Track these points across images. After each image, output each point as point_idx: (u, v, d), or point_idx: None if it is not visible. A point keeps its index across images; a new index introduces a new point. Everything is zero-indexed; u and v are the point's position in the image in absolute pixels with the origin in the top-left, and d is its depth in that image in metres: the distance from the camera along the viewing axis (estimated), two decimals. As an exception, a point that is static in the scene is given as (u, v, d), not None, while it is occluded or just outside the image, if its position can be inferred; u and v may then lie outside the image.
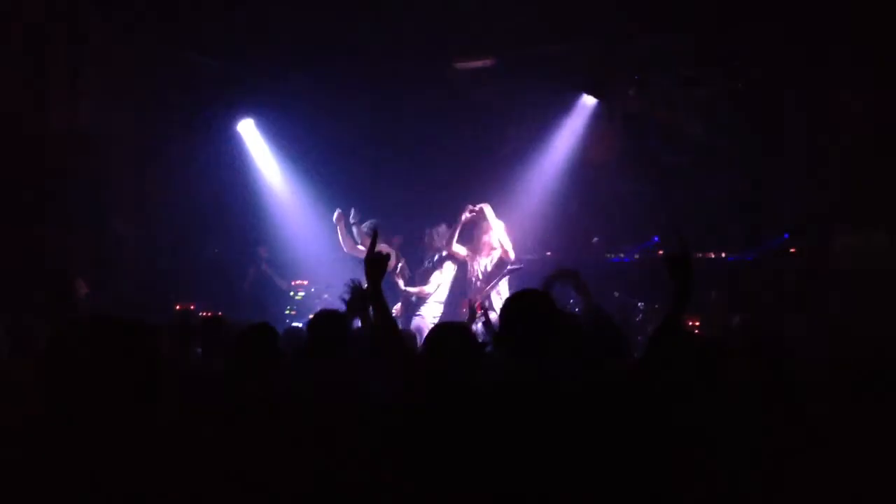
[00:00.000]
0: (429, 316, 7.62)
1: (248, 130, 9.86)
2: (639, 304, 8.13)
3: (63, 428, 1.98)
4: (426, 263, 7.82)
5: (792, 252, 8.68)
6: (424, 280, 7.70)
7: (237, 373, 3.47)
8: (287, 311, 8.95)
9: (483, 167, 9.41)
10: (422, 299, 7.71)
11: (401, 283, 7.73)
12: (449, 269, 7.70)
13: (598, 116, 9.24)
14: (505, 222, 7.76)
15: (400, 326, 3.99)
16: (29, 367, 3.17)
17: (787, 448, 2.57)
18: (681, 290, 2.75)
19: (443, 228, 7.80)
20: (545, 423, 2.42)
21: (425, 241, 7.88)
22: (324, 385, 3.23)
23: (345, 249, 7.94)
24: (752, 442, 2.61)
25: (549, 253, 9.48)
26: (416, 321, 7.59)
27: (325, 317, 3.89)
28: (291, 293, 9.05)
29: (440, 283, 7.65)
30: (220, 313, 7.02)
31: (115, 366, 2.03)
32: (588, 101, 9.22)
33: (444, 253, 7.69)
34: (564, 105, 9.29)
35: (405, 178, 9.46)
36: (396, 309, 7.74)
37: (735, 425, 2.65)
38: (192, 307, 7.98)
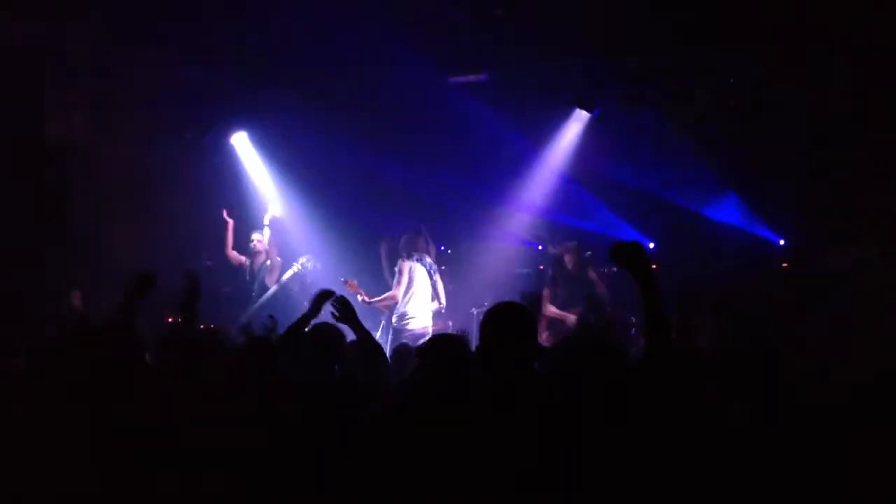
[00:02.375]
0: (416, 325, 7.71)
1: (242, 143, 9.87)
2: (632, 318, 8.13)
3: (55, 429, 1.99)
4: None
5: (785, 266, 8.73)
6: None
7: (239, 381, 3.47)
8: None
9: (476, 180, 9.45)
10: (399, 311, 7.79)
11: (360, 297, 7.85)
12: (407, 276, 7.78)
13: (591, 130, 9.28)
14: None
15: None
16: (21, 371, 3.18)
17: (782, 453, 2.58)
18: (641, 281, 2.68)
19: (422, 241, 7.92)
20: (520, 432, 2.43)
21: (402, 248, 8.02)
22: (320, 392, 3.25)
23: (227, 251, 8.56)
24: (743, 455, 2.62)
25: (541, 266, 9.50)
26: (405, 335, 7.63)
27: (321, 328, 3.97)
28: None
29: (402, 289, 7.76)
30: (212, 326, 7.01)
31: (105, 371, 2.04)
32: (581, 115, 9.27)
33: (401, 261, 7.84)
34: (557, 119, 9.33)
35: (399, 191, 9.48)
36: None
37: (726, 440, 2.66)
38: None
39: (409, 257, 7.87)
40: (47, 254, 7.78)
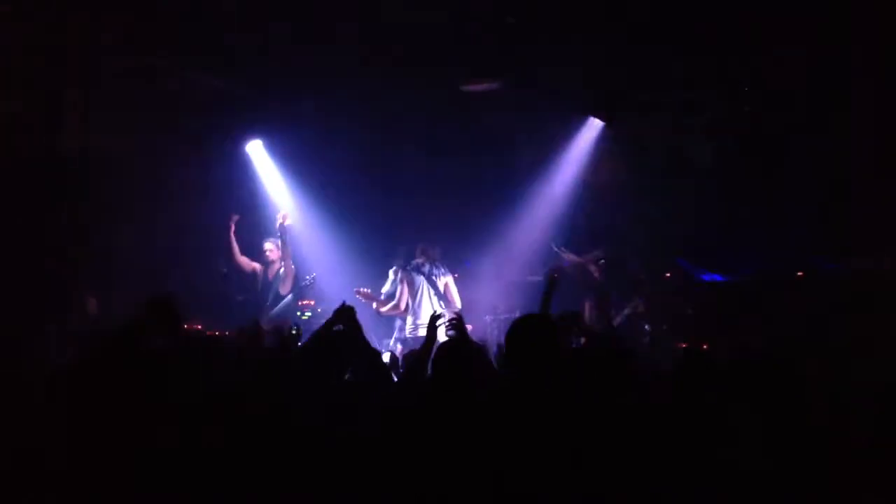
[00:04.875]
0: (423, 332, 7.78)
1: (257, 151, 9.94)
2: (645, 326, 8.12)
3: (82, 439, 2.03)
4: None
5: (799, 276, 8.67)
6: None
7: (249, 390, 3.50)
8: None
9: (490, 188, 9.47)
10: (406, 320, 8.05)
11: (373, 305, 7.92)
12: (404, 288, 7.99)
13: (604, 139, 9.28)
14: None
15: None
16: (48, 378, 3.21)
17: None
18: None
19: (437, 251, 8.15)
20: (538, 439, 2.46)
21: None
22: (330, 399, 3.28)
23: (234, 256, 8.59)
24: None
25: (555, 275, 9.47)
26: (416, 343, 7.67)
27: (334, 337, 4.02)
28: (298, 313, 9.06)
29: (402, 300, 8.00)
30: (227, 332, 7.05)
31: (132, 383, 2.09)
32: (595, 123, 9.26)
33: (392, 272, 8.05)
34: (571, 127, 9.33)
35: (413, 199, 9.51)
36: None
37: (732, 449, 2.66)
38: (198, 327, 8.00)
39: (403, 268, 7.96)
40: (63, 259, 7.84)
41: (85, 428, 2.13)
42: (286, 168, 9.94)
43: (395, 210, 9.50)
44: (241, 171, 9.88)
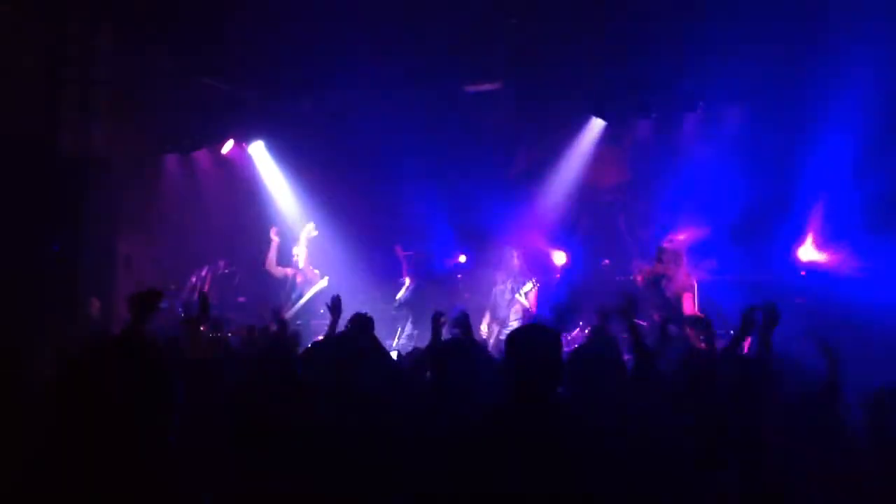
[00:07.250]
0: None
1: (259, 152, 9.93)
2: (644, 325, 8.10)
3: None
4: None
5: (802, 275, 8.65)
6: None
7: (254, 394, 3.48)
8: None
9: (493, 189, 9.45)
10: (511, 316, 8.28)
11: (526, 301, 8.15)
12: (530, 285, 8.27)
13: (606, 139, 9.26)
14: (515, 244, 8.02)
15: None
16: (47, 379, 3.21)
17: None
18: None
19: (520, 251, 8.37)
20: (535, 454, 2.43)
21: (514, 263, 8.45)
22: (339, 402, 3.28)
23: (267, 264, 8.46)
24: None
25: (558, 275, 9.48)
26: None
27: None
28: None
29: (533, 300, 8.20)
30: (229, 334, 7.05)
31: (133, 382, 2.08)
32: (597, 123, 9.24)
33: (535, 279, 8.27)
34: (573, 127, 9.31)
35: (415, 199, 9.50)
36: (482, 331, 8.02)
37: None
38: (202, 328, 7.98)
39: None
40: (64, 262, 7.84)
41: (84, 428, 2.11)
42: (288, 168, 9.93)
43: (396, 209, 9.49)
44: (244, 172, 9.87)
